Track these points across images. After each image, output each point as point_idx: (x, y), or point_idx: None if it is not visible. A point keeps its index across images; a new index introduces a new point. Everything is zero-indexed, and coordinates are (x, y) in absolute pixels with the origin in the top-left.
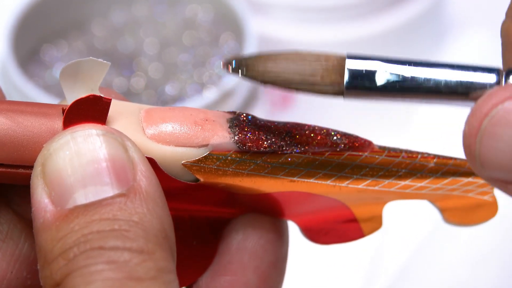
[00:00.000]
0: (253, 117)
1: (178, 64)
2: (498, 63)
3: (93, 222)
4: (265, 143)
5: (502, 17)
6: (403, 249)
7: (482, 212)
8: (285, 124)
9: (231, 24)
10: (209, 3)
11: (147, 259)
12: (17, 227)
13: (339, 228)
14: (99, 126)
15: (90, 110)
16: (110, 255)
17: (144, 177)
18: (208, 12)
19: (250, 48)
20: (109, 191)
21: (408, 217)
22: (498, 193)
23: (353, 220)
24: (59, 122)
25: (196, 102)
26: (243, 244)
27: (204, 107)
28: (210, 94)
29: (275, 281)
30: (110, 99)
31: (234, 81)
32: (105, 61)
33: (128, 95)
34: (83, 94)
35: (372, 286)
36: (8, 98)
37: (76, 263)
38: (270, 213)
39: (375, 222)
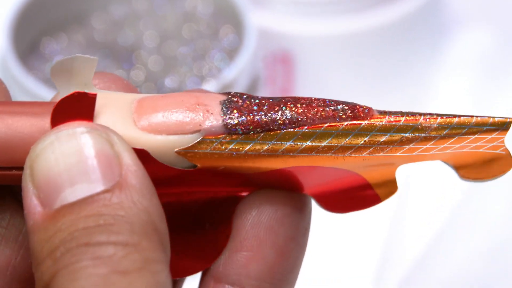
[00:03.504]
0: (248, 96)
1: (178, 57)
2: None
3: (79, 219)
4: (259, 122)
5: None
6: (421, 236)
7: (497, 165)
8: (280, 100)
9: (231, 17)
10: None
11: (133, 251)
12: (19, 213)
13: (354, 195)
14: (83, 123)
15: (76, 107)
16: (95, 250)
17: (130, 171)
18: (207, 5)
19: (250, 41)
20: (95, 188)
21: (427, 206)
22: (510, 146)
23: (367, 185)
24: (49, 121)
25: None
26: (258, 219)
27: None
28: (209, 87)
29: (294, 255)
30: (95, 94)
31: (234, 74)
32: (92, 57)
33: None
34: (77, 89)
35: (387, 273)
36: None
37: (62, 261)
38: (283, 188)
39: (390, 187)
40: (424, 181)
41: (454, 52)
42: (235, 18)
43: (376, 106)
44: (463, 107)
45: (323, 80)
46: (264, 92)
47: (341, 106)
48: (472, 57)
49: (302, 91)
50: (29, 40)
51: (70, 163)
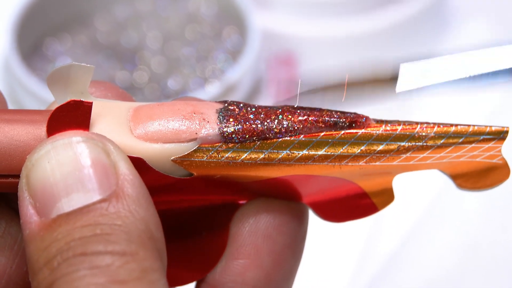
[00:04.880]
0: (244, 105)
1: (181, 58)
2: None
3: (76, 229)
4: (256, 130)
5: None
6: (396, 232)
7: (494, 175)
8: (277, 108)
9: (234, 18)
10: None
11: (130, 260)
12: (15, 221)
13: (351, 204)
14: (79, 132)
15: (72, 116)
16: (92, 260)
17: (126, 180)
18: (211, 6)
19: (254, 43)
20: (91, 198)
21: (400, 200)
22: (507, 155)
23: (364, 194)
24: (45, 129)
25: (199, 96)
26: (255, 227)
27: None
28: (213, 89)
29: (291, 263)
30: (91, 103)
31: (237, 76)
32: (88, 65)
33: (131, 89)
34: (73, 98)
35: (363, 270)
36: (11, 92)
37: (59, 271)
38: (280, 197)
39: (387, 196)
40: (398, 181)
41: (455, 49)
42: (238, 19)
43: (380, 108)
44: (464, 102)
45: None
46: (266, 93)
47: (337, 114)
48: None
49: (304, 94)
50: (32, 41)
51: (66, 173)
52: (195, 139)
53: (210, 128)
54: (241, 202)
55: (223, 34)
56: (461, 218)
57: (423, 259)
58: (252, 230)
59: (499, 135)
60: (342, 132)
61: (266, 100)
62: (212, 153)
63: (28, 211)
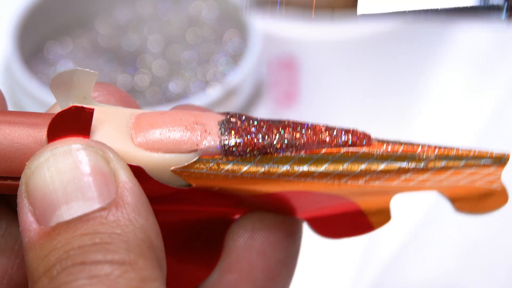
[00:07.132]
0: (246, 117)
1: (182, 62)
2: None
3: (75, 237)
4: (257, 144)
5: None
6: (395, 237)
7: (492, 200)
8: (279, 123)
9: (236, 22)
10: (214, 1)
11: (129, 270)
12: (15, 222)
13: (347, 222)
14: (79, 140)
15: (73, 122)
16: (91, 269)
17: (126, 189)
18: (212, 10)
19: (255, 46)
20: (91, 206)
21: (400, 206)
22: (506, 181)
23: (360, 213)
24: (46, 133)
25: (200, 99)
26: (250, 242)
27: (208, 105)
28: (214, 92)
29: (284, 280)
30: (93, 109)
31: (238, 79)
32: (92, 71)
33: (132, 93)
34: (76, 102)
35: (364, 273)
36: (12, 94)
37: (59, 280)
38: (276, 211)
39: (384, 216)
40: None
41: (452, 51)
42: (239, 23)
43: (382, 109)
44: (462, 103)
45: (327, 85)
46: (268, 97)
47: (339, 132)
48: (470, 56)
49: (306, 96)
50: (33, 44)
51: (66, 180)
52: (195, 151)
53: (211, 140)
54: (236, 215)
55: (224, 38)
56: (461, 219)
57: (423, 261)
58: (247, 246)
59: (500, 161)
60: (343, 150)
61: (267, 104)
62: (212, 165)
63: (28, 218)
